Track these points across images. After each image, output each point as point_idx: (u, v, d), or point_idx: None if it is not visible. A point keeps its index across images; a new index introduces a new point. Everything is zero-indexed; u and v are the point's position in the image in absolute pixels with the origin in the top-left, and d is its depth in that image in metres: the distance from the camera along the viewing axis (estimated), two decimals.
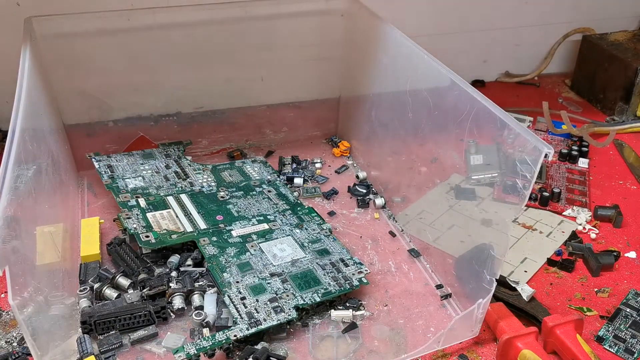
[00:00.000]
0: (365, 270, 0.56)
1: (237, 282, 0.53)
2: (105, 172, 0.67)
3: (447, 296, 0.56)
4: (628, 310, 0.55)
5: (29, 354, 0.48)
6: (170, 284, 0.54)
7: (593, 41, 0.92)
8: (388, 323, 0.53)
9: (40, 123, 0.56)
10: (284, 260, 0.57)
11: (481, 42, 0.95)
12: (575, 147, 0.77)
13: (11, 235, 0.39)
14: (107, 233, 0.62)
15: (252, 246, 0.58)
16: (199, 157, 0.76)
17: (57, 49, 0.65)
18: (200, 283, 0.54)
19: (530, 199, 0.69)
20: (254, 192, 0.67)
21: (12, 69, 0.55)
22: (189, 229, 0.60)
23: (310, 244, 0.59)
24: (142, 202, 0.63)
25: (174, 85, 0.73)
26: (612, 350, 0.51)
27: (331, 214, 0.67)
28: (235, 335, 0.48)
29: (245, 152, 0.77)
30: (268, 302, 0.51)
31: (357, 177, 0.73)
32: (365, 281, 0.55)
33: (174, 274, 0.55)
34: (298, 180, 0.71)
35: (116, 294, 0.52)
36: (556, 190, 0.69)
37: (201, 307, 0.52)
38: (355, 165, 0.76)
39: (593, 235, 0.64)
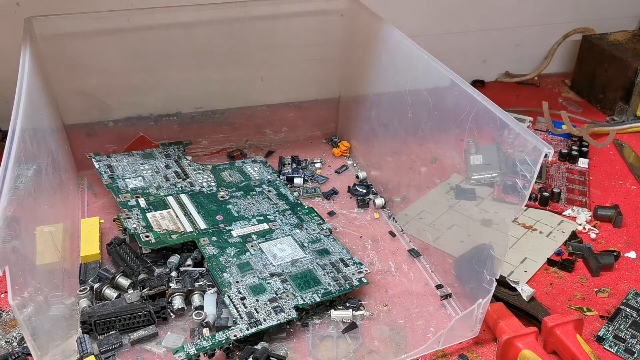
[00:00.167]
0: (365, 270, 0.56)
1: (237, 282, 0.53)
2: (105, 172, 0.67)
3: (447, 296, 0.56)
4: (628, 310, 0.55)
5: (29, 354, 0.48)
6: (170, 284, 0.54)
7: (593, 41, 0.92)
8: (388, 323, 0.53)
9: (40, 123, 0.56)
10: (284, 260, 0.57)
11: (481, 42, 0.95)
12: (575, 147, 0.77)
13: (11, 235, 0.39)
14: (107, 233, 0.62)
15: (252, 246, 0.58)
16: (199, 157, 0.76)
17: (57, 49, 0.65)
18: (200, 283, 0.54)
19: (530, 199, 0.69)
20: (254, 192, 0.67)
21: (12, 69, 0.55)
22: (189, 229, 0.60)
23: (310, 244, 0.59)
24: (142, 202, 0.63)
25: (174, 85, 0.73)
26: (612, 350, 0.51)
27: (331, 214, 0.67)
28: (235, 335, 0.48)
29: (245, 152, 0.77)
30: (268, 302, 0.51)
31: (357, 177, 0.73)
32: (365, 281, 0.55)
33: (174, 274, 0.55)
34: (298, 180, 0.71)
35: (116, 294, 0.52)
36: (556, 190, 0.69)
37: (201, 307, 0.52)
38: (355, 165, 0.76)
39: (593, 235, 0.64)
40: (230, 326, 0.50)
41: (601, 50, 0.90)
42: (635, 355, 0.50)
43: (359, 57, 0.71)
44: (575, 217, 0.67)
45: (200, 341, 0.48)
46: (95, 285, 0.53)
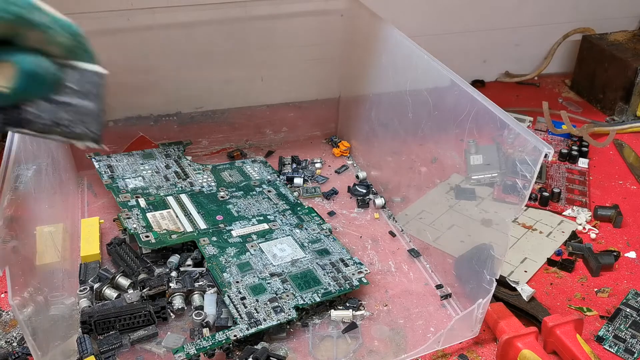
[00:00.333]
0: (365, 270, 0.56)
1: (237, 282, 0.53)
2: (105, 172, 0.67)
3: (447, 296, 0.56)
4: (628, 310, 0.55)
5: (29, 354, 0.48)
6: (170, 284, 0.54)
7: (593, 41, 0.92)
8: (388, 323, 0.53)
9: None
10: (283, 260, 0.57)
11: (481, 42, 0.95)
12: (575, 147, 0.77)
13: (11, 235, 0.39)
14: (107, 233, 0.62)
15: (252, 246, 0.58)
16: (199, 157, 0.76)
17: None
18: (200, 283, 0.54)
19: (530, 199, 0.69)
20: (254, 192, 0.67)
21: None
22: (189, 229, 0.60)
23: (310, 244, 0.59)
24: (142, 202, 0.63)
25: (174, 85, 0.73)
26: (612, 350, 0.51)
27: (331, 214, 0.67)
28: (235, 336, 0.48)
29: (245, 152, 0.77)
30: (268, 302, 0.51)
31: (357, 177, 0.73)
32: (365, 281, 0.55)
33: (174, 274, 0.55)
34: (298, 180, 0.71)
35: (116, 294, 0.52)
36: (556, 190, 0.69)
37: (201, 307, 0.52)
38: (355, 165, 0.76)
39: (593, 235, 0.64)
40: (230, 326, 0.50)
41: (601, 50, 0.90)
42: (635, 355, 0.50)
43: (359, 57, 0.71)
44: (575, 217, 0.67)
45: (200, 341, 0.48)
46: (95, 285, 0.53)
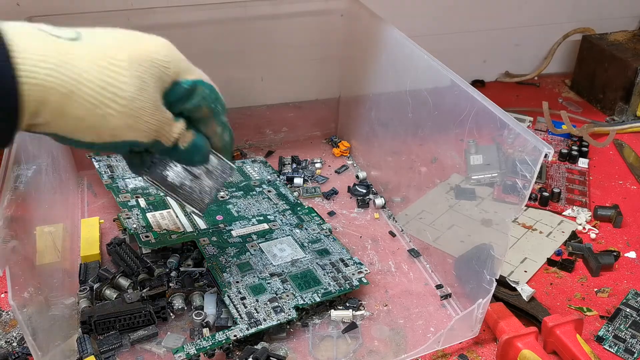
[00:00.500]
0: (365, 270, 0.56)
1: (237, 282, 0.53)
2: (105, 172, 0.67)
3: (447, 296, 0.56)
4: (628, 310, 0.55)
5: (29, 354, 0.48)
6: (170, 284, 0.54)
7: (593, 41, 0.92)
8: (388, 323, 0.53)
9: None
10: (283, 260, 0.57)
11: (481, 42, 0.95)
12: (575, 147, 0.77)
13: (11, 235, 0.39)
14: (107, 233, 0.62)
15: (252, 246, 0.58)
16: None
17: None
18: (200, 283, 0.54)
19: (530, 199, 0.69)
20: (254, 192, 0.67)
21: None
22: (189, 229, 0.60)
23: (310, 244, 0.59)
24: (142, 202, 0.63)
25: None
26: (612, 350, 0.51)
27: (331, 214, 0.67)
28: (235, 336, 0.48)
29: (245, 152, 0.77)
30: (268, 302, 0.51)
31: (357, 177, 0.73)
32: (365, 281, 0.55)
33: (173, 274, 0.55)
34: (298, 180, 0.71)
35: (116, 294, 0.52)
36: (556, 190, 0.69)
37: (201, 307, 0.52)
38: (355, 165, 0.76)
39: (593, 235, 0.64)
40: (230, 326, 0.50)
41: (601, 50, 0.90)
42: (635, 355, 0.50)
43: (359, 57, 0.71)
44: (575, 217, 0.67)
45: (200, 341, 0.48)
46: (95, 285, 0.53)
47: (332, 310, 0.53)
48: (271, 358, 0.48)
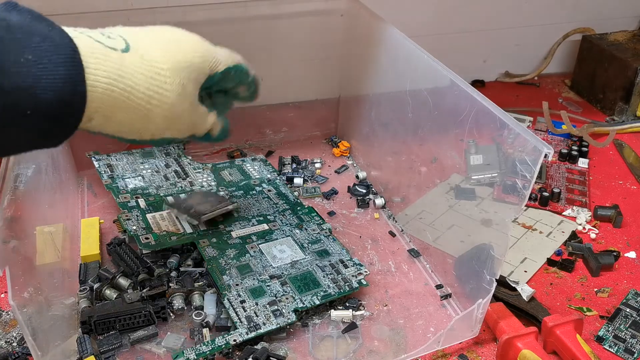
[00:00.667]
0: (365, 271, 0.56)
1: (237, 284, 0.53)
2: (105, 171, 0.67)
3: (447, 296, 0.56)
4: (628, 310, 0.55)
5: (29, 354, 0.48)
6: (170, 284, 0.54)
7: (593, 41, 0.92)
8: (388, 323, 0.53)
9: None
10: (283, 261, 0.57)
11: (481, 42, 0.95)
12: (575, 147, 0.77)
13: (11, 235, 0.39)
14: (107, 233, 0.62)
15: (251, 247, 0.58)
16: (199, 157, 0.76)
17: None
18: (200, 283, 0.54)
19: (530, 199, 0.69)
20: (254, 192, 0.67)
21: None
22: (189, 230, 0.60)
23: (310, 244, 0.59)
24: (142, 203, 0.63)
25: None
26: (612, 350, 0.51)
27: (331, 214, 0.67)
28: (234, 340, 0.48)
29: (245, 152, 0.77)
30: (267, 306, 0.51)
31: (357, 177, 0.73)
32: (364, 283, 0.55)
33: (173, 274, 0.55)
34: (298, 180, 0.71)
35: (116, 294, 0.52)
36: (556, 190, 0.69)
37: (201, 307, 0.52)
38: (355, 165, 0.76)
39: (593, 235, 0.64)
40: (230, 327, 0.50)
41: (601, 50, 0.90)
42: (635, 355, 0.50)
43: (359, 57, 0.71)
44: (575, 217, 0.67)
45: (200, 346, 0.47)
46: (95, 285, 0.53)
47: (332, 310, 0.53)
48: (271, 358, 0.48)
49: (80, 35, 0.36)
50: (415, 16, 0.88)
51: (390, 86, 0.65)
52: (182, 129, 0.44)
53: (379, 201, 0.68)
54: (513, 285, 0.55)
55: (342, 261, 0.57)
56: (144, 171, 0.68)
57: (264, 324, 0.49)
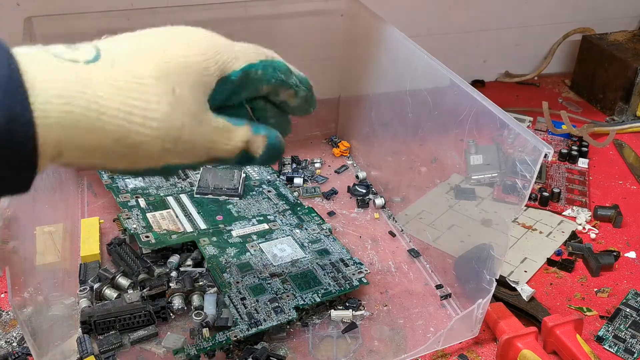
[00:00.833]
0: (365, 270, 0.56)
1: (237, 282, 0.53)
2: (105, 171, 0.67)
3: (447, 296, 0.56)
4: (628, 310, 0.55)
5: (29, 354, 0.48)
6: (170, 284, 0.54)
7: (593, 41, 0.92)
8: (388, 323, 0.53)
9: None
10: (284, 260, 0.57)
11: (481, 42, 0.95)
12: (575, 147, 0.77)
13: (11, 235, 0.39)
14: (107, 233, 0.62)
15: (252, 246, 0.58)
16: None
17: None
18: (200, 283, 0.54)
19: (530, 199, 0.69)
20: (254, 192, 0.67)
21: None
22: (189, 229, 0.60)
23: (310, 244, 0.59)
24: (142, 202, 0.63)
25: None
26: (612, 350, 0.51)
27: (331, 214, 0.67)
28: (235, 336, 0.48)
29: None
30: (268, 303, 0.51)
31: (357, 177, 0.73)
32: (365, 281, 0.55)
33: (173, 274, 0.55)
34: (298, 180, 0.71)
35: (116, 294, 0.52)
36: (556, 190, 0.69)
37: (201, 307, 0.52)
38: (355, 165, 0.76)
39: (593, 235, 0.64)
40: (230, 326, 0.50)
41: (601, 50, 0.90)
42: (635, 355, 0.50)
43: (359, 57, 0.71)
44: (575, 217, 0.67)
45: (201, 342, 0.48)
46: (95, 285, 0.53)
47: (332, 310, 0.53)
48: (271, 358, 0.48)
49: (30, 52, 0.29)
50: (415, 16, 0.88)
51: (390, 86, 0.65)
52: (192, 150, 0.33)
53: (379, 201, 0.68)
54: (513, 285, 0.55)
55: (342, 260, 0.57)
56: None
57: (265, 320, 0.49)
